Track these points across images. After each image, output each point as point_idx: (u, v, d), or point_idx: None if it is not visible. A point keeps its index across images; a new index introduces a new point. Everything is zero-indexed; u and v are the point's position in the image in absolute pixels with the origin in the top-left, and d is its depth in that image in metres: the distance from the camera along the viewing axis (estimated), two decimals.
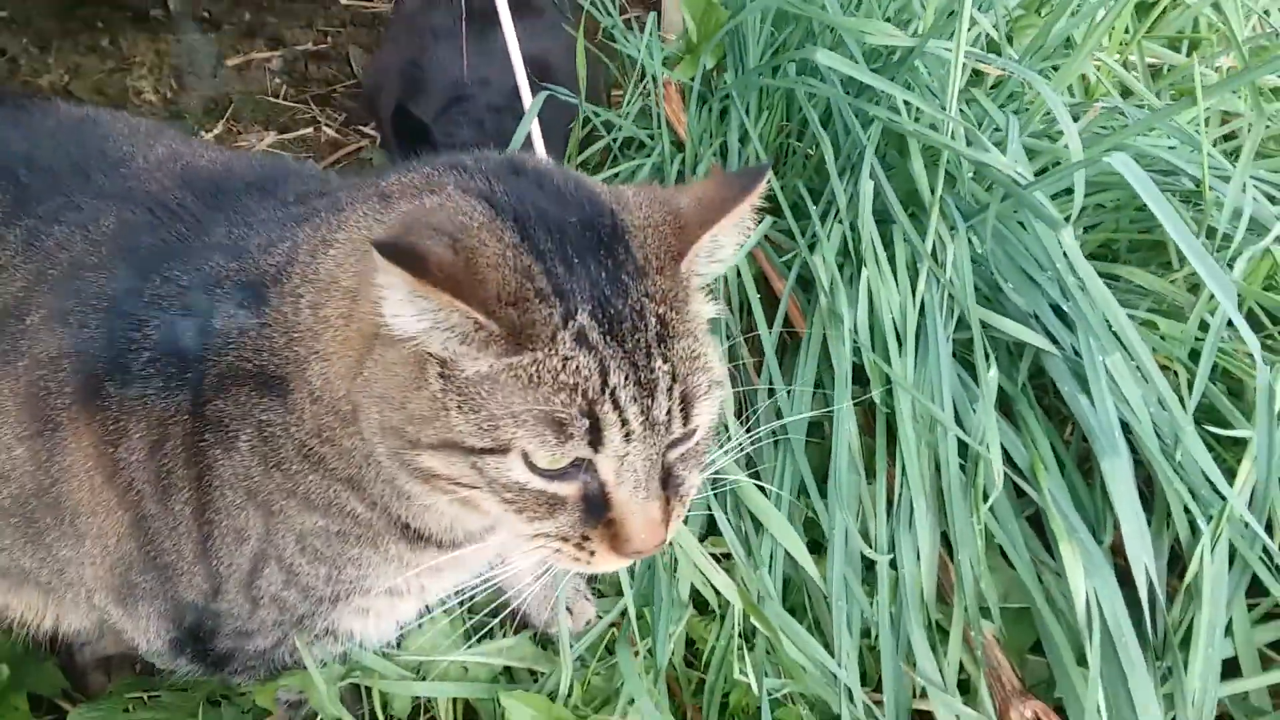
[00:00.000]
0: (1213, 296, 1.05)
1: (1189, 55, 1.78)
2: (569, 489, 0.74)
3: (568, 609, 1.27)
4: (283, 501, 0.85)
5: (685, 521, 1.20)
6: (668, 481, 0.76)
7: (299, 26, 2.80)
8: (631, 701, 1.11)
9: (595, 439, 0.70)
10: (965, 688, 1.13)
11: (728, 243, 0.77)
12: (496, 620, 1.25)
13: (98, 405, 0.84)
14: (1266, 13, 1.85)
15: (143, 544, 0.89)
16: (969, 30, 1.44)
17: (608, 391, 0.69)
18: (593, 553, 0.76)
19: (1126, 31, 1.65)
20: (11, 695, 1.20)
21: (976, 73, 1.42)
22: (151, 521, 0.87)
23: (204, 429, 0.83)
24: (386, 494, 0.84)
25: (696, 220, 0.75)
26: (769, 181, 1.38)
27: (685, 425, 0.74)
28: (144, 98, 2.48)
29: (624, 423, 0.70)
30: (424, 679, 1.13)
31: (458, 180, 0.76)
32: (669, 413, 0.72)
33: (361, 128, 2.39)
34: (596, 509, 0.75)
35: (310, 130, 2.37)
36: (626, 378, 0.70)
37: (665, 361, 0.71)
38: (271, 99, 2.48)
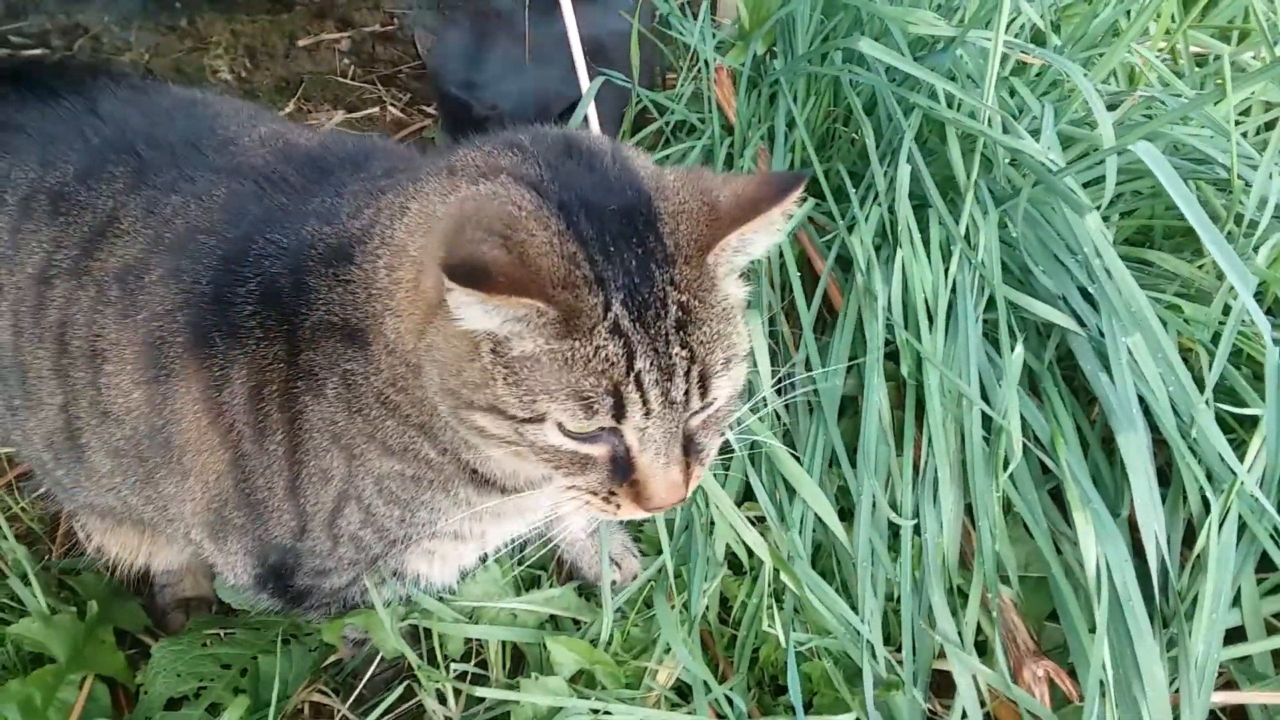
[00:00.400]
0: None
1: (1237, 44, 1.79)
2: (598, 451, 0.82)
3: (615, 563, 1.36)
4: (364, 445, 0.94)
5: (724, 485, 1.29)
6: (689, 447, 0.84)
7: (367, 8, 2.89)
8: (668, 650, 1.20)
9: (619, 414, 0.78)
10: (982, 649, 1.19)
11: (758, 240, 0.82)
12: (546, 572, 1.35)
13: (206, 353, 0.94)
14: None
15: (239, 481, 0.99)
16: (1016, 20, 1.49)
17: (632, 375, 0.77)
18: (618, 505, 0.85)
19: (1173, 20, 1.68)
20: (100, 629, 1.31)
21: (1021, 62, 1.46)
22: (248, 460, 0.97)
23: (297, 377, 0.93)
24: (455, 441, 0.93)
25: (730, 216, 0.80)
26: (809, 183, 1.45)
27: (703, 399, 0.81)
28: (219, 76, 2.60)
29: (645, 401, 0.78)
30: (476, 624, 1.22)
31: (511, 164, 0.83)
32: (686, 393, 0.79)
33: (424, 108, 2.48)
34: (623, 469, 0.83)
35: (376, 110, 2.46)
36: (650, 363, 0.77)
37: (684, 347, 0.78)
38: (340, 79, 2.58)
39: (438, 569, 1.14)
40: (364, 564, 1.08)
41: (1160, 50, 1.68)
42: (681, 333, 0.78)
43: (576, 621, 1.27)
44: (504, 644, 1.24)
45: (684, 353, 0.78)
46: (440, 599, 1.21)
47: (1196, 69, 1.65)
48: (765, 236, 0.82)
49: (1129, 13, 1.48)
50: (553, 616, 1.26)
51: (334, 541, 1.03)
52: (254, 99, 2.48)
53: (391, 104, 2.48)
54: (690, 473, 0.84)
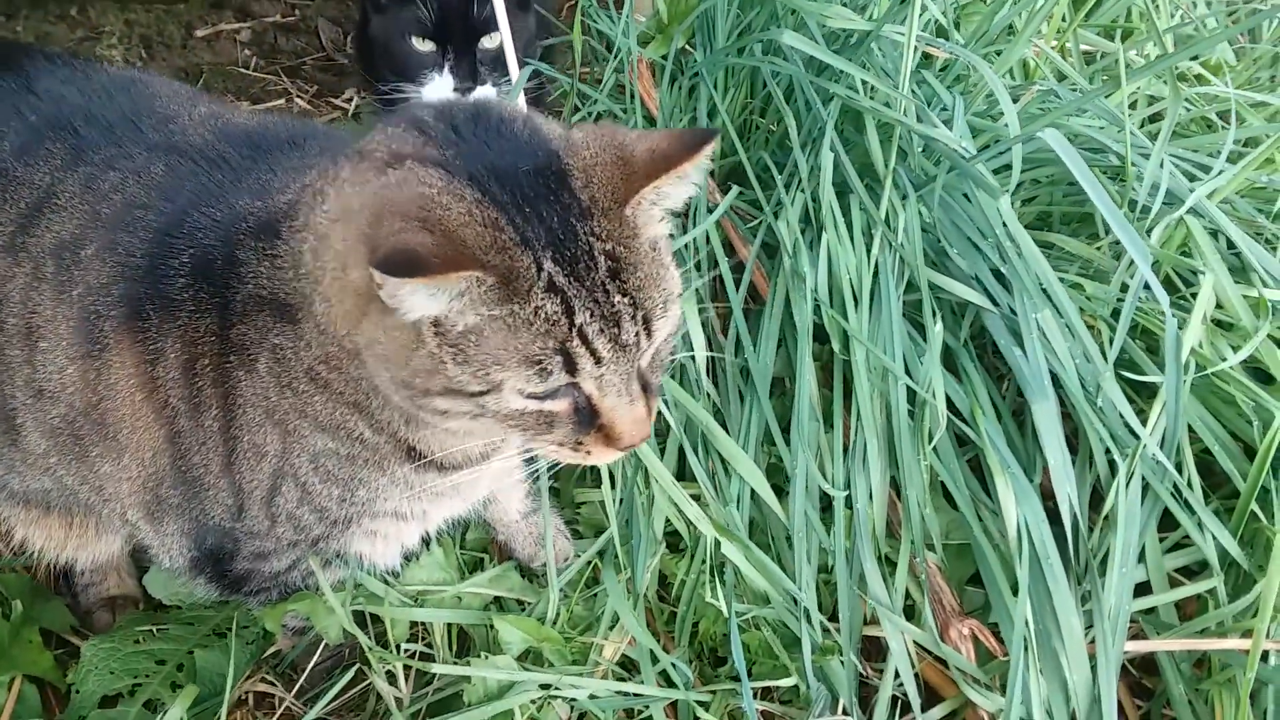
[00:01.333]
0: (1133, 262, 1.18)
1: (1122, 43, 1.92)
2: (561, 406, 0.85)
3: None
4: (296, 421, 0.94)
5: (661, 457, 1.32)
6: (646, 385, 0.87)
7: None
8: (614, 625, 1.23)
9: (571, 368, 0.81)
10: (911, 613, 1.26)
11: (673, 193, 0.85)
12: (489, 555, 1.36)
13: (140, 327, 0.94)
14: (1193, 3, 2.00)
15: (175, 458, 0.98)
16: (921, 15, 1.56)
17: (575, 329, 0.79)
18: (588, 451, 0.88)
19: (1064, 19, 1.79)
20: (25, 629, 1.27)
21: (927, 55, 1.53)
22: (184, 436, 0.97)
23: (229, 351, 0.93)
24: (394, 420, 0.94)
25: (644, 170, 0.82)
26: (733, 171, 1.51)
27: (649, 339, 0.85)
28: (114, 67, 2.51)
29: (593, 352, 0.81)
30: (422, 607, 1.23)
31: (415, 147, 0.83)
32: (636, 335, 0.83)
33: (332, 99, 2.45)
34: (586, 418, 0.86)
35: (282, 102, 2.42)
36: (591, 314, 0.79)
37: (623, 294, 0.81)
38: (242, 70, 2.53)
39: (380, 549, 1.14)
40: (305, 545, 1.08)
41: (1052, 47, 1.78)
42: (617, 280, 0.81)
43: (521, 603, 1.29)
44: (449, 627, 1.25)
45: (624, 299, 0.81)
46: (385, 582, 1.21)
47: (1085, 65, 1.76)
48: (681, 189, 0.85)
49: (1023, 13, 1.56)
50: (497, 598, 1.28)
51: (272, 521, 1.03)
52: None
53: (298, 95, 2.44)
54: (650, 407, 0.89)
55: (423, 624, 1.26)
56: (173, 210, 0.97)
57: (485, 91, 1.70)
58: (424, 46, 1.68)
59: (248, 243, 0.92)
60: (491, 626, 1.22)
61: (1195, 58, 1.83)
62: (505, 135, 0.84)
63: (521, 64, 1.47)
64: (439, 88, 1.70)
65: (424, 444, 0.97)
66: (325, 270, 0.85)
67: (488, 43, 1.68)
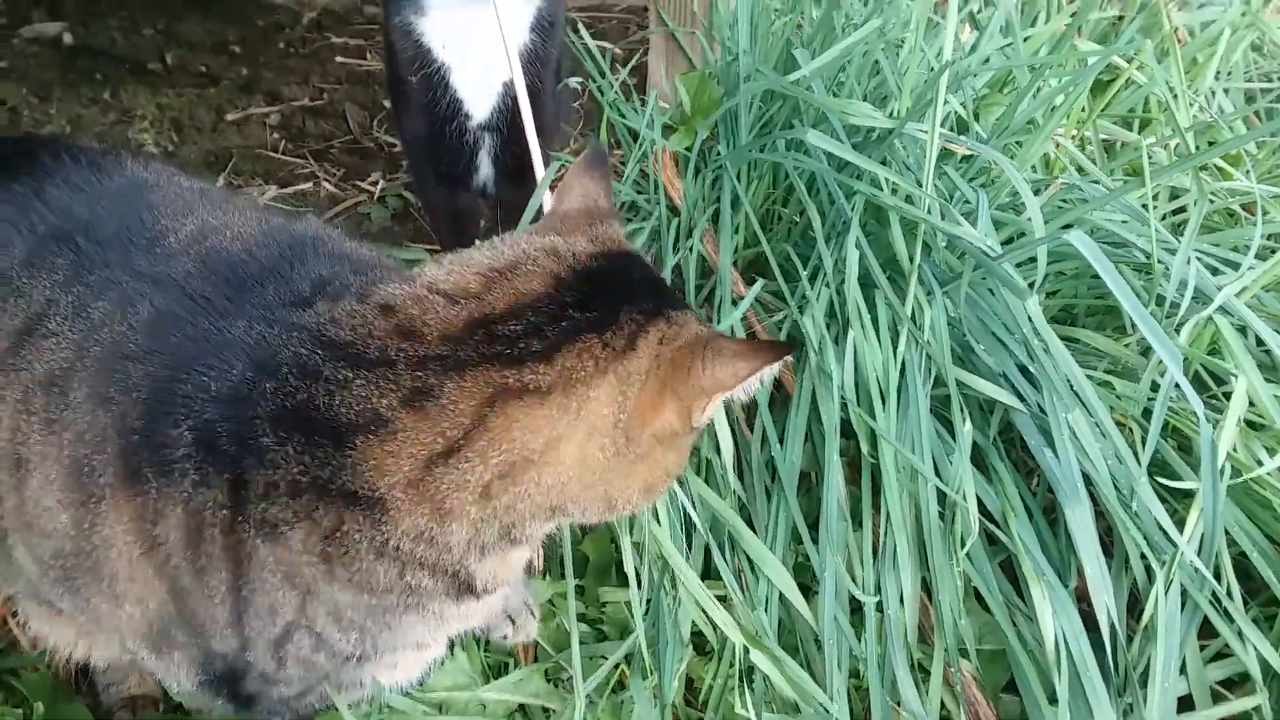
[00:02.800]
0: (1162, 360, 1.18)
1: (1139, 132, 1.93)
2: None
3: (511, 620, 1.34)
4: (327, 586, 0.89)
5: (687, 561, 1.31)
6: None
7: (295, 83, 2.89)
8: None
9: None
10: None
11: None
12: (513, 658, 1.34)
13: (137, 488, 0.88)
14: (1212, 92, 2.01)
15: (179, 608, 0.93)
16: (942, 105, 1.58)
17: None
18: None
19: (1083, 110, 1.80)
20: None
21: (948, 149, 1.55)
22: (187, 593, 0.92)
23: (247, 524, 0.86)
24: (467, 556, 0.90)
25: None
26: (758, 262, 1.51)
27: None
28: (145, 150, 2.56)
29: None
30: (443, 713, 1.21)
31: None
32: None
33: (359, 182, 2.48)
34: None
35: (309, 185, 2.46)
36: None
37: None
38: (270, 153, 2.57)
39: (399, 675, 1.10)
40: (315, 680, 1.04)
41: (1072, 137, 1.79)
42: None
43: (546, 709, 1.27)
44: None
45: None
46: (406, 694, 1.20)
47: (1105, 153, 1.77)
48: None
49: (1044, 109, 1.58)
50: (522, 705, 1.26)
51: (279, 663, 0.98)
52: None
53: (325, 179, 2.48)
54: None
55: None
56: (163, 371, 0.90)
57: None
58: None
59: (272, 431, 0.85)
60: None
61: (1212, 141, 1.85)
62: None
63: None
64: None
65: (485, 573, 0.94)
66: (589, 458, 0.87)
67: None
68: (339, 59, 3.06)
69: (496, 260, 0.89)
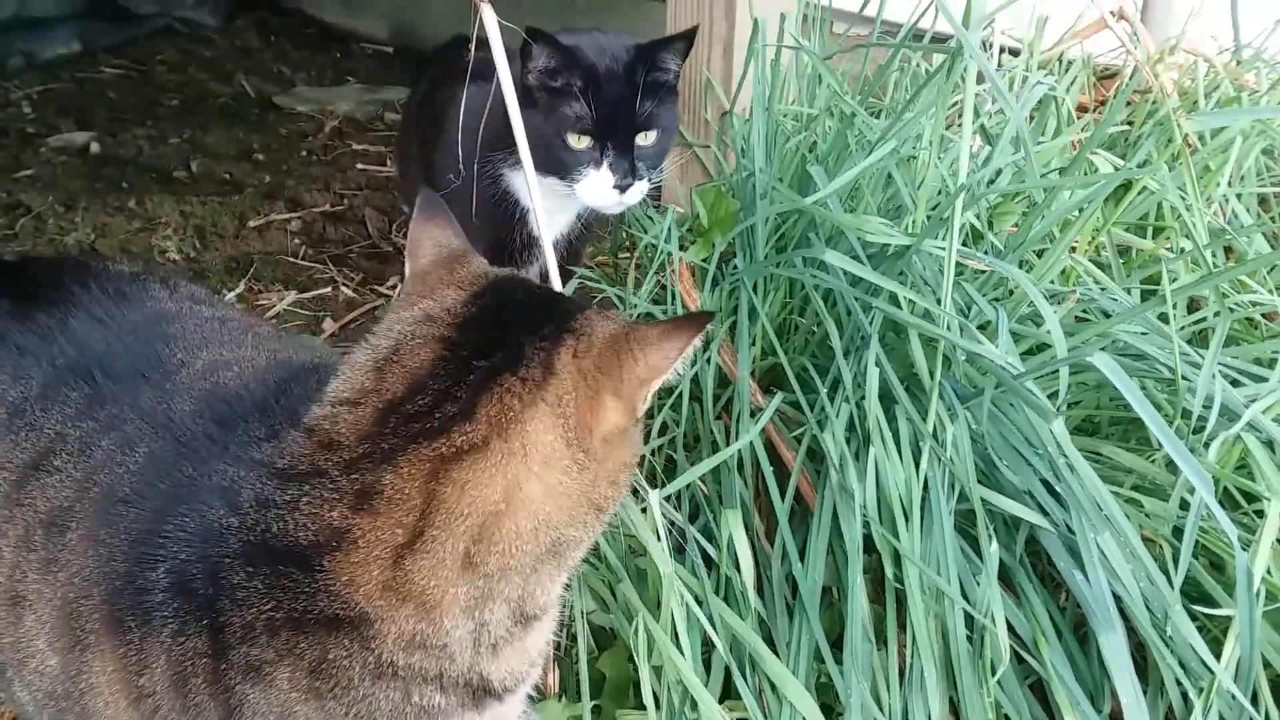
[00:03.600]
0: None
1: (1153, 238, 1.94)
2: None
3: None
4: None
5: (706, 684, 1.28)
6: None
7: (317, 189, 2.96)
8: None
9: None
10: None
11: None
12: None
13: (121, 636, 0.87)
14: (1225, 199, 2.03)
15: None
16: (959, 226, 1.59)
17: None
18: None
19: (1097, 218, 1.81)
20: None
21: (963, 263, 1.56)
22: None
23: (229, 669, 0.84)
24: (480, 660, 0.89)
25: None
26: (776, 375, 1.51)
27: None
28: (168, 256, 2.61)
29: None
30: None
31: None
32: None
33: (377, 287, 2.51)
34: None
35: (328, 290, 2.49)
36: None
37: None
38: (290, 259, 2.61)
39: None
40: None
41: (1088, 246, 1.81)
42: None
43: None
44: None
45: None
46: None
47: (1119, 257, 1.78)
48: None
49: (1060, 224, 1.59)
50: None
51: None
52: (203, 279, 2.48)
53: (344, 284, 2.51)
54: None
55: None
56: (149, 514, 0.91)
57: (641, 187, 1.67)
58: (580, 144, 1.63)
59: (239, 568, 0.84)
60: None
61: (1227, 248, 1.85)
62: None
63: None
64: (597, 183, 1.65)
65: (501, 670, 0.92)
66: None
67: (643, 140, 1.65)
68: (359, 166, 3.13)
69: (378, 351, 0.89)
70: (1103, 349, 1.28)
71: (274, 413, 0.97)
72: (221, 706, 0.86)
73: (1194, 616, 1.18)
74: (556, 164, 1.63)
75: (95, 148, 3.17)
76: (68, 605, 0.91)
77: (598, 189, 1.64)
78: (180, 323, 1.15)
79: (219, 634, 0.84)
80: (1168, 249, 1.84)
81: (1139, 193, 1.88)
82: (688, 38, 1.67)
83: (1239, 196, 2.11)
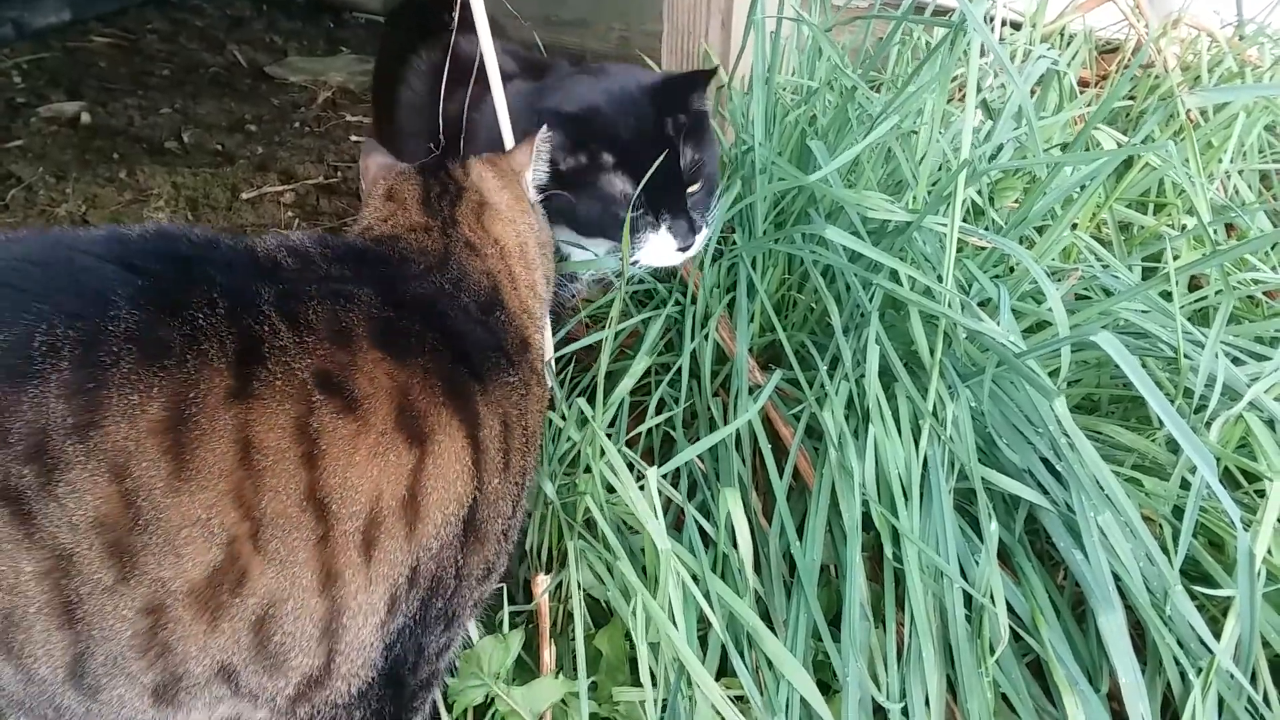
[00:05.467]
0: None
1: (1154, 214, 1.93)
2: None
3: None
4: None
5: (703, 661, 1.27)
6: None
7: (310, 161, 2.93)
8: None
9: None
10: None
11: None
12: None
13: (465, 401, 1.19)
14: (1228, 174, 2.01)
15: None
16: (961, 201, 1.57)
17: None
18: None
19: (1100, 194, 1.80)
20: None
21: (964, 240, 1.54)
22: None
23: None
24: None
25: None
26: (775, 352, 1.50)
27: None
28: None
29: None
30: None
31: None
32: None
33: None
34: None
35: None
36: None
37: None
38: (284, 231, 2.58)
39: None
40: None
41: (1089, 222, 1.79)
42: None
43: None
44: None
45: None
46: None
47: (1121, 234, 1.77)
48: None
49: (1064, 199, 1.57)
50: None
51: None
52: None
53: None
54: None
55: None
56: None
57: (704, 237, 1.59)
58: (633, 214, 1.52)
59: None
60: None
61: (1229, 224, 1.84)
62: None
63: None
64: (659, 247, 1.55)
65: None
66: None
67: (694, 188, 1.56)
68: (353, 137, 3.10)
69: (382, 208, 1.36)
70: (1104, 327, 1.28)
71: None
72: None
73: (1194, 596, 1.18)
74: (613, 233, 1.51)
75: (86, 118, 3.13)
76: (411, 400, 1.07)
77: (660, 253, 1.55)
78: None
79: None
80: (1169, 226, 1.83)
81: (1141, 169, 1.86)
82: (709, 74, 1.58)
83: (1241, 173, 2.10)
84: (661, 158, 1.45)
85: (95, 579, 0.92)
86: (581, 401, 1.46)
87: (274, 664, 1.01)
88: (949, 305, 1.32)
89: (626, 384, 1.53)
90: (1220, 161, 1.93)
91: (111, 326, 0.94)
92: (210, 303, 0.99)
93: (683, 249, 1.53)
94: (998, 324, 1.29)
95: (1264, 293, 1.66)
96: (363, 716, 1.11)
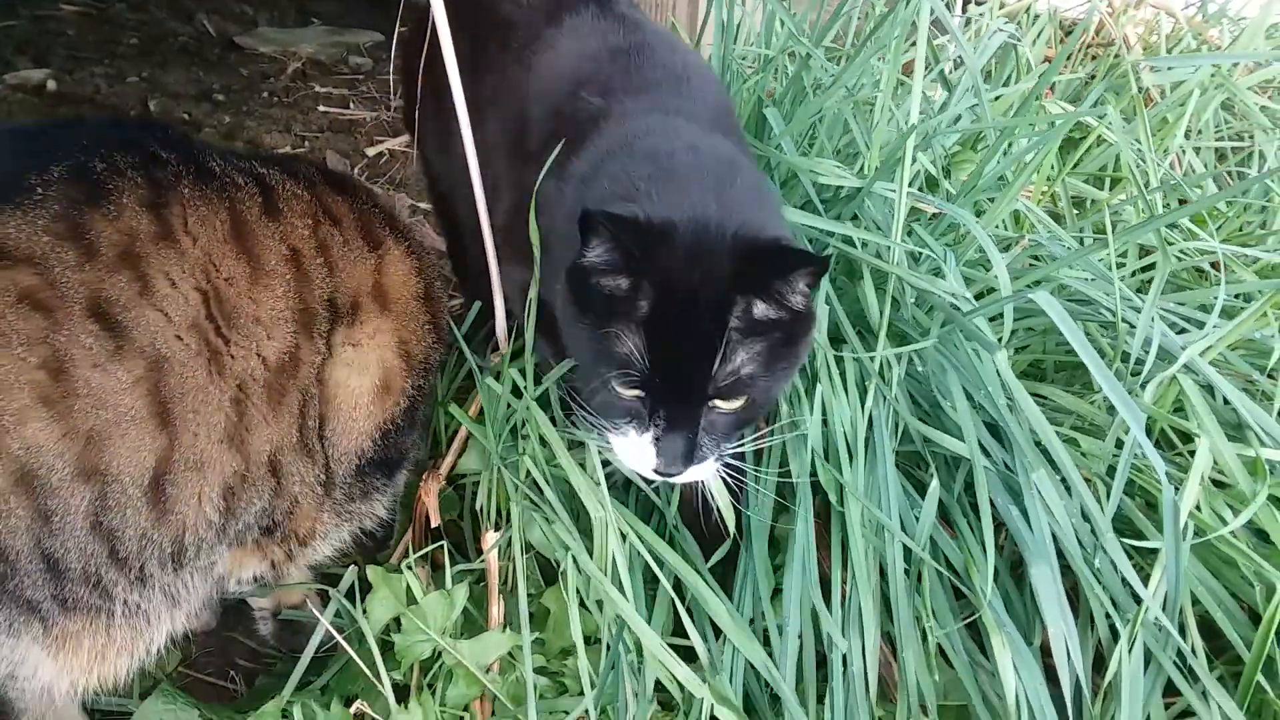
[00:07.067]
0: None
1: (1110, 190, 1.96)
2: None
3: None
4: None
5: (649, 621, 1.29)
6: None
7: (278, 131, 2.92)
8: None
9: None
10: None
11: None
12: (467, 715, 1.31)
13: None
14: (1183, 150, 2.04)
15: None
16: (910, 165, 1.59)
17: None
18: None
19: (1052, 168, 1.83)
20: None
21: (917, 208, 1.56)
22: None
23: None
24: None
25: None
26: None
27: None
28: None
29: None
30: None
31: None
32: None
33: None
34: None
35: None
36: None
37: None
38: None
39: None
40: None
41: (1042, 194, 1.82)
42: None
43: None
44: None
45: None
46: None
47: (1074, 209, 1.79)
48: None
49: (1014, 167, 1.59)
50: None
51: None
52: None
53: None
54: None
55: None
56: None
57: (701, 470, 1.14)
58: (628, 394, 1.09)
59: None
60: None
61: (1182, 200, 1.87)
62: None
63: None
64: (633, 453, 1.12)
65: None
66: None
67: (723, 405, 1.09)
68: (321, 108, 3.09)
69: None
70: (1050, 293, 1.30)
71: None
72: None
73: (1129, 554, 1.21)
74: (594, 399, 1.14)
75: (52, 85, 3.10)
76: None
77: (633, 458, 1.13)
78: None
79: None
80: (1123, 201, 1.86)
81: (1095, 143, 1.89)
82: (820, 264, 1.06)
83: (1197, 151, 2.13)
84: (696, 336, 1.05)
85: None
86: (513, 373, 1.45)
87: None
88: (897, 264, 1.35)
89: None
90: (1175, 137, 1.96)
91: (164, 153, 1.14)
92: (223, 155, 1.22)
93: (662, 473, 1.12)
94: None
95: (1211, 264, 1.69)
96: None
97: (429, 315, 1.39)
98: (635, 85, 1.32)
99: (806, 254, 1.11)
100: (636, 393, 1.07)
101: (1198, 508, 1.19)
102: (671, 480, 1.13)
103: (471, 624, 1.42)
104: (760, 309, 1.06)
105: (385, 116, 3.07)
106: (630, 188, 1.13)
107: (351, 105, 3.12)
